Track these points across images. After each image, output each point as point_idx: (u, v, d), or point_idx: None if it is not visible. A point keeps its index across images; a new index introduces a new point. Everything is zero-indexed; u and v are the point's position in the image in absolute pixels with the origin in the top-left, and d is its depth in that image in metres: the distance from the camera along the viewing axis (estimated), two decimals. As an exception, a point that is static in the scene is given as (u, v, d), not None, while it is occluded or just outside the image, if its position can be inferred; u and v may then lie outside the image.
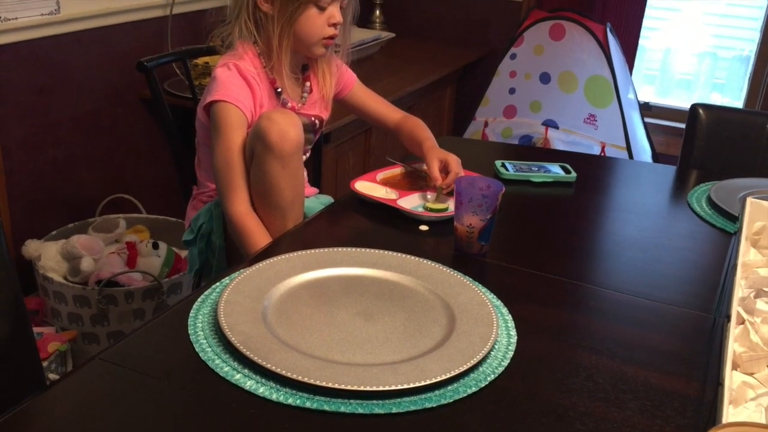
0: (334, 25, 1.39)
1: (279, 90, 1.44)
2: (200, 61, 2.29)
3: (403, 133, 1.57)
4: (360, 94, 1.60)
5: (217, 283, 1.05)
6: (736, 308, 0.84)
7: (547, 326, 1.02)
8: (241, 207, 1.34)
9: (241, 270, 1.06)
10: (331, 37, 1.41)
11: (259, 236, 1.33)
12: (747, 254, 1.09)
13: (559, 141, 2.72)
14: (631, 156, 2.61)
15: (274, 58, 1.40)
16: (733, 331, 0.81)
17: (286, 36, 1.37)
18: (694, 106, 1.77)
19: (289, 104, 1.46)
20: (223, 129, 1.34)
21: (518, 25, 2.84)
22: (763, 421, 0.68)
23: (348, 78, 1.59)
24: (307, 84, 1.51)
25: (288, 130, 1.26)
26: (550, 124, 2.76)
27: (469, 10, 3.22)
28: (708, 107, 1.77)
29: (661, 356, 0.96)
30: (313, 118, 1.52)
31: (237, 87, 1.36)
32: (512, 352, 0.93)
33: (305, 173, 1.58)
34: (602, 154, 2.63)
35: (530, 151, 2.12)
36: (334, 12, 1.38)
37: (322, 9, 1.37)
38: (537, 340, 0.98)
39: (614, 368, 0.92)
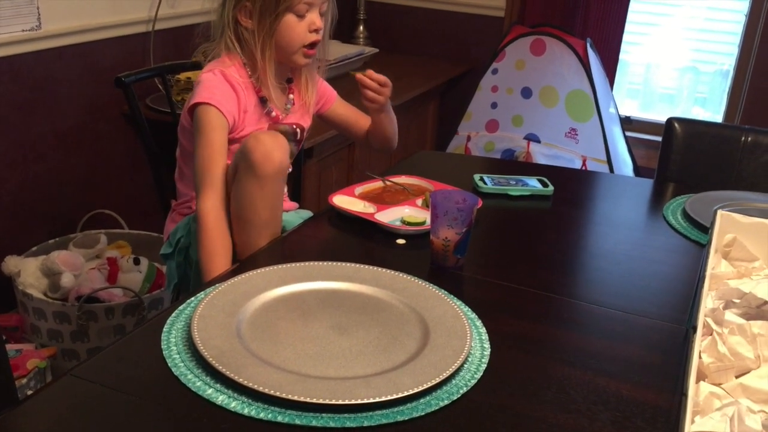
0: (315, 30, 1.41)
1: (264, 98, 1.46)
2: (182, 76, 2.29)
3: (369, 130, 1.63)
4: (340, 109, 1.64)
5: (192, 298, 1.05)
6: (702, 319, 0.85)
7: (521, 339, 1.02)
8: (208, 203, 1.33)
9: (217, 284, 1.06)
10: (313, 44, 1.43)
11: (216, 235, 1.31)
12: (718, 266, 1.10)
13: (540, 155, 2.74)
14: (611, 169, 2.63)
15: (259, 69, 1.42)
16: (699, 341, 0.82)
17: (268, 47, 1.40)
18: (670, 120, 1.79)
19: (274, 113, 1.48)
20: (204, 129, 1.36)
21: (500, 41, 2.87)
22: (727, 431, 0.69)
23: (330, 93, 1.62)
24: (291, 96, 1.53)
25: (272, 152, 1.27)
26: (531, 138, 2.78)
27: (452, 25, 3.25)
28: (683, 121, 1.80)
29: (633, 368, 0.96)
30: (294, 126, 1.53)
31: (220, 91, 1.38)
32: (485, 365, 0.94)
33: (285, 189, 1.59)
34: (583, 168, 2.65)
35: (510, 164, 2.14)
36: (314, 18, 1.41)
37: (300, 16, 1.39)
38: (510, 352, 0.98)
39: (586, 380, 0.93)
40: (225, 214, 1.35)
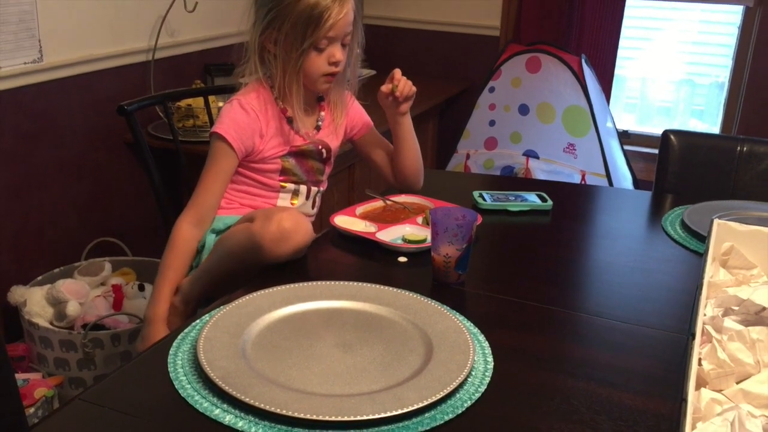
0: (335, 63, 1.46)
1: (290, 118, 1.50)
2: (183, 103, 2.32)
3: (394, 157, 1.64)
4: (373, 139, 1.67)
5: (197, 321, 1.06)
6: (700, 326, 0.86)
7: (524, 352, 1.03)
8: (185, 224, 1.43)
9: (221, 306, 1.07)
10: (332, 74, 1.48)
11: (177, 254, 1.43)
12: (716, 274, 1.11)
13: (540, 171, 2.76)
14: (611, 183, 2.65)
15: (285, 92, 1.47)
16: (698, 347, 0.82)
17: (293, 74, 1.45)
18: (666, 133, 1.81)
19: (302, 131, 1.51)
20: (209, 157, 1.46)
21: (496, 59, 2.90)
22: (729, 435, 0.70)
23: (366, 121, 1.65)
24: (321, 114, 1.57)
25: (285, 245, 1.25)
26: (530, 154, 2.80)
27: (448, 45, 3.28)
28: (679, 133, 1.81)
29: (635, 377, 0.97)
30: (320, 147, 1.56)
31: (233, 121, 1.44)
32: (489, 378, 0.95)
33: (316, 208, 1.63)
34: (583, 182, 2.67)
35: (509, 181, 2.15)
36: (333, 51, 1.45)
37: (321, 50, 1.44)
38: (514, 365, 0.99)
39: (589, 390, 0.94)
40: (196, 239, 1.45)
